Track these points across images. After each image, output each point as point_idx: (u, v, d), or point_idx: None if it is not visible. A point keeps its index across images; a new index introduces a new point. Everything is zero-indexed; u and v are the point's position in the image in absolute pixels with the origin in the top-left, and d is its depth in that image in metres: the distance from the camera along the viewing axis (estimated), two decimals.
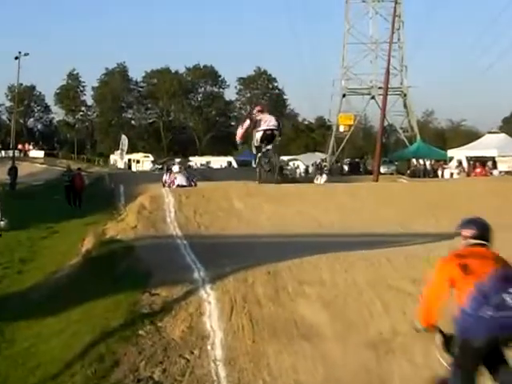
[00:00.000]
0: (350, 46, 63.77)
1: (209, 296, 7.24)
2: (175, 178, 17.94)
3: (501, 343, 4.87)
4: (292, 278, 7.41)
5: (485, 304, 4.73)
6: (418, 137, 61.30)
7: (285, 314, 6.75)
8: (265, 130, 14.34)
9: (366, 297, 6.88)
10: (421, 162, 48.93)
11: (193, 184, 17.77)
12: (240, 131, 15.19)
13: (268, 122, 14.49)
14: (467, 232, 5.25)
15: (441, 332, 5.06)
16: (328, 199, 12.93)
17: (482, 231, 5.24)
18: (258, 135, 14.40)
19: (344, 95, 63.33)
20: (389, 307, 6.68)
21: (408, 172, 46.57)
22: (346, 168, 57.42)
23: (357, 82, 63.87)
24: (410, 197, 13.47)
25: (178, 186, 16.86)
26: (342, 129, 63.41)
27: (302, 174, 52.14)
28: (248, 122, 14.84)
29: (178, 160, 58.43)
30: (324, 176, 21.02)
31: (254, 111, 15.10)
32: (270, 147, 14.47)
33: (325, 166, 50.99)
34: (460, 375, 4.90)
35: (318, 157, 61.86)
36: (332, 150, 63.34)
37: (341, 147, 62.90)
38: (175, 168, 19.29)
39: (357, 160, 61.41)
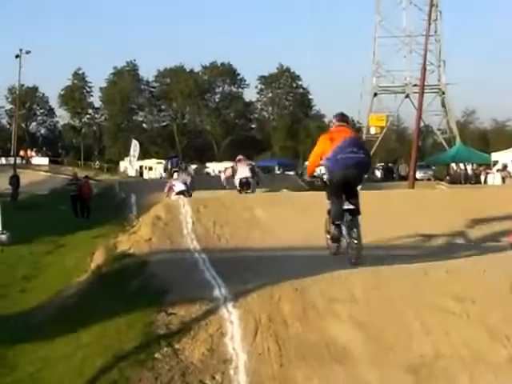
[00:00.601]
0: (382, 39, 63.70)
1: (231, 315, 7.23)
2: (173, 185, 18.73)
3: (349, 178, 9.25)
4: (321, 294, 7.38)
5: (339, 153, 9.07)
6: (458, 139, 61.00)
7: (314, 334, 6.72)
8: (240, 179, 18.94)
9: (403, 316, 6.83)
10: (461, 166, 48.64)
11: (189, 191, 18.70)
12: (223, 177, 20.38)
13: (242, 172, 19.02)
14: (335, 119, 9.92)
15: (316, 177, 10.42)
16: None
17: (342, 117, 9.94)
18: (237, 182, 19.15)
19: (375, 94, 63.24)
20: (429, 327, 6.62)
21: (447, 178, 46.31)
22: (377, 174, 57.18)
23: (389, 80, 63.79)
24: (449, 205, 13.38)
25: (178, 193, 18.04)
26: (373, 131, 63.24)
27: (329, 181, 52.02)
28: (230, 170, 19.92)
29: (193, 166, 58.66)
30: None
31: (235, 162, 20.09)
32: (248, 191, 18.71)
33: None
34: (333, 199, 9.52)
35: None
36: None
37: (372, 151, 62.57)
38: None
39: (390, 165, 61.14)
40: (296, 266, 8.75)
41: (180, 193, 18.04)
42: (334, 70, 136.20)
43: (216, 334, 6.98)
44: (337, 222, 9.37)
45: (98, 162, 78.43)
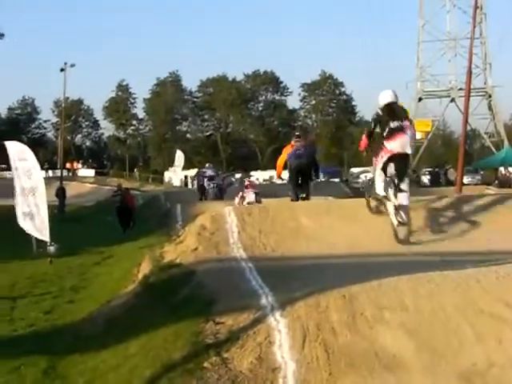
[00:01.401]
0: (426, 43, 63.18)
1: (278, 324, 7.20)
2: (245, 195, 22.94)
3: (301, 169, 16.59)
4: (370, 302, 7.31)
5: (295, 151, 16.70)
6: (506, 142, 60.12)
7: (363, 343, 6.65)
8: (248, 203, 21.99)
9: (454, 323, 6.73)
10: (510, 170, 47.87)
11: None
12: (236, 202, 22.82)
13: (249, 198, 22.79)
14: (294, 138, 17.58)
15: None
16: None
17: (297, 136, 17.82)
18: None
19: (420, 99, 62.66)
20: (481, 335, 6.51)
21: (495, 182, 45.62)
22: (424, 179, 56.60)
23: (434, 84, 63.18)
24: (499, 210, 13.17)
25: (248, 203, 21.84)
26: (418, 136, 62.50)
27: None
28: (240, 197, 23.06)
29: (237, 175, 58.87)
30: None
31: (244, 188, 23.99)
32: None
33: None
34: (292, 184, 16.85)
35: (391, 167, 61.11)
36: None
37: (418, 156, 62.01)
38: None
39: (436, 169, 60.48)
40: (343, 274, 8.69)
41: (250, 203, 21.69)
42: (377, 75, 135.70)
43: (264, 342, 6.95)
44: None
45: (136, 171, 79.07)
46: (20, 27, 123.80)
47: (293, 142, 17.05)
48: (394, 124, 10.52)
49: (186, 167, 64.34)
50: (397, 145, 10.54)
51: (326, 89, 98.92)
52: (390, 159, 10.80)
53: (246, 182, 26.00)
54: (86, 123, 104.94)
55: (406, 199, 10.84)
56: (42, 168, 25.50)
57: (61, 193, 39.27)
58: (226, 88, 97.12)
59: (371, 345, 6.61)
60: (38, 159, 22.50)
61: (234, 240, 11.76)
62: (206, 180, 32.13)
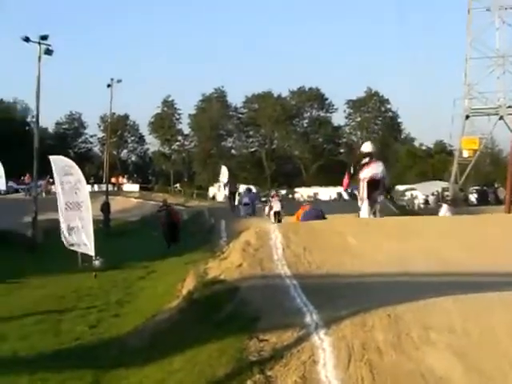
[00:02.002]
0: (474, 60, 62.23)
1: (323, 342, 7.16)
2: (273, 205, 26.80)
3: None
4: (416, 322, 7.24)
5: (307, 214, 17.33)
6: None
7: (409, 364, 6.58)
8: (274, 211, 27.23)
9: (504, 346, 6.62)
10: None
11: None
12: (266, 210, 27.69)
13: (275, 207, 27.33)
14: (305, 206, 18.67)
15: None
16: (454, 234, 12.63)
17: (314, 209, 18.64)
18: (272, 213, 27.96)
19: (467, 116, 61.77)
20: None
21: None
22: (471, 197, 55.87)
23: (482, 102, 62.17)
24: None
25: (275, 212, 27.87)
26: (465, 154, 61.73)
27: (421, 206, 51.20)
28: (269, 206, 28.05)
29: (283, 191, 58.82)
30: (448, 207, 20.82)
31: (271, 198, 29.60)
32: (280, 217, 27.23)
33: (447, 195, 49.87)
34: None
35: (438, 185, 60.54)
36: (455, 177, 61.73)
37: (465, 174, 61.14)
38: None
39: (484, 188, 59.65)
40: (389, 293, 8.62)
41: (277, 212, 27.54)
42: (423, 92, 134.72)
43: (308, 361, 6.91)
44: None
45: (178, 186, 79.59)
46: (68, 43, 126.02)
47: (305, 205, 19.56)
48: (364, 160, 15.26)
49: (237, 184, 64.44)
50: (367, 173, 15.09)
51: (372, 106, 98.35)
52: (368, 185, 14.84)
53: (272, 193, 33.81)
54: (132, 138, 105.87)
55: (379, 213, 15.21)
56: (88, 182, 25.86)
57: (106, 207, 39.71)
58: (271, 104, 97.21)
59: (417, 366, 6.53)
60: (84, 174, 22.82)
61: (279, 257, 11.75)
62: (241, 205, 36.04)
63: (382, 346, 6.86)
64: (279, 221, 27.90)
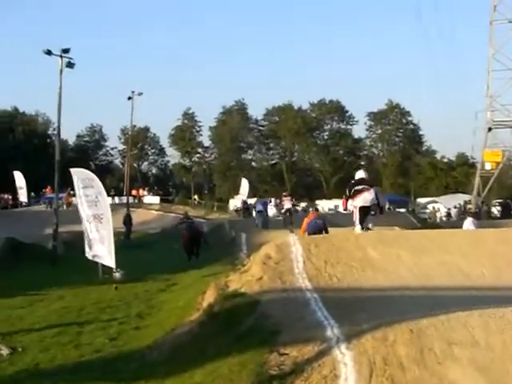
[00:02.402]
0: (496, 72, 61.79)
1: (344, 357, 7.12)
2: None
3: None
4: (439, 337, 7.18)
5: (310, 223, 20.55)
6: None
7: (432, 379, 6.52)
8: (285, 209, 34.12)
9: None
10: None
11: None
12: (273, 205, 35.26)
13: (286, 205, 31.69)
14: (311, 215, 21.96)
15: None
16: (477, 247, 12.54)
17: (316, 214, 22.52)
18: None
19: (490, 129, 61.32)
20: None
21: None
22: (494, 210, 55.42)
23: (504, 114, 61.68)
24: None
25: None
26: (488, 166, 61.22)
27: (444, 218, 50.91)
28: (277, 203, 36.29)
29: (303, 204, 58.76)
30: (472, 220, 20.70)
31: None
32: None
33: (469, 208, 49.56)
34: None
35: (460, 198, 60.14)
36: (477, 190, 61.28)
37: (487, 187, 60.68)
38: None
39: (508, 201, 59.16)
40: (411, 307, 8.57)
41: (288, 210, 34.01)
42: (445, 105, 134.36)
43: (329, 375, 6.87)
44: None
45: (196, 198, 79.71)
46: (89, 56, 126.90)
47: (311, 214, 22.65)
48: (357, 187, 16.94)
49: (251, 195, 64.47)
50: (359, 202, 16.73)
51: (393, 118, 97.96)
52: (359, 212, 16.71)
53: (284, 193, 38.74)
54: (152, 151, 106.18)
55: (371, 224, 16.97)
56: (109, 195, 25.97)
57: (128, 220, 39.93)
58: (291, 117, 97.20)
59: (440, 381, 6.48)
60: (105, 186, 22.92)
61: (299, 270, 11.73)
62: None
63: (404, 361, 6.81)
64: (290, 220, 33.62)
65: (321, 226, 20.40)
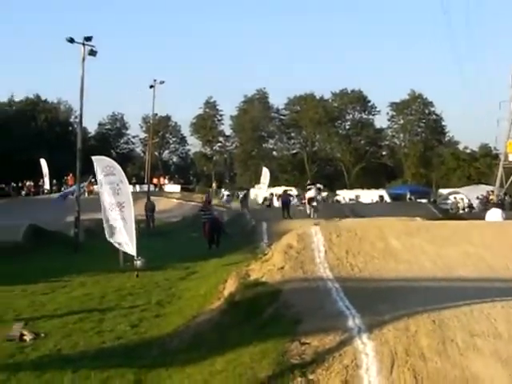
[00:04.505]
0: None
1: (365, 347, 7.12)
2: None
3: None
4: (461, 328, 7.16)
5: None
6: None
7: (454, 370, 6.50)
8: (308, 197, 35.59)
9: None
10: None
11: None
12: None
13: (310, 194, 35.93)
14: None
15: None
16: (500, 239, 12.45)
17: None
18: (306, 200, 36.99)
19: None
20: None
21: None
22: None
23: None
24: None
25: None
26: (511, 157, 60.62)
27: (466, 209, 50.53)
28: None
29: (324, 194, 58.84)
30: (502, 211, 20.43)
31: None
32: (314, 203, 34.54)
33: (491, 199, 49.11)
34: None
35: (483, 189, 59.55)
36: (500, 181, 60.71)
37: (511, 178, 60.13)
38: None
39: None
40: (433, 298, 8.54)
41: (311, 199, 34.86)
42: (469, 95, 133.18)
43: (351, 365, 6.88)
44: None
45: (214, 186, 79.82)
46: (111, 44, 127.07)
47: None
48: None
49: (271, 185, 64.39)
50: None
51: (415, 108, 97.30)
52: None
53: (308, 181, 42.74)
54: (174, 139, 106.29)
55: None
56: (130, 183, 26.05)
57: (150, 208, 40.11)
58: (313, 106, 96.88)
59: (462, 372, 6.46)
60: (126, 174, 22.88)
61: (321, 259, 11.73)
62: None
63: (426, 352, 6.80)
64: (314, 208, 34.20)
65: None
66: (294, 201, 45.69)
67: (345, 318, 8.13)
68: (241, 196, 53.46)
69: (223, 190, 63.44)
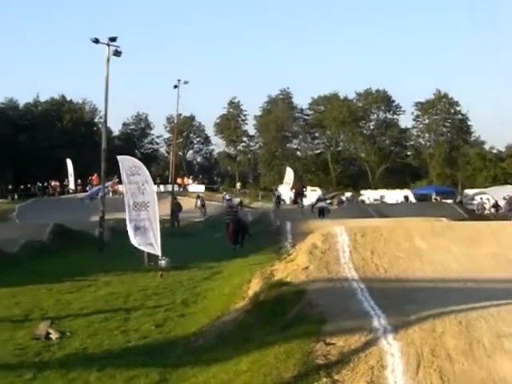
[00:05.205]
0: None
1: (391, 347, 7.10)
2: None
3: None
4: (488, 329, 7.12)
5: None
6: None
7: (481, 372, 6.46)
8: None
9: None
10: None
11: None
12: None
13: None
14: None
15: None
16: None
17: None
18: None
19: None
20: None
21: None
22: None
23: None
24: None
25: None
26: None
27: (492, 210, 50.13)
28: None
29: (348, 194, 58.58)
30: None
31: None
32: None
33: None
34: None
35: (509, 190, 59.05)
36: None
37: None
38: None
39: None
40: (460, 299, 8.50)
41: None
42: (494, 95, 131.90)
43: (376, 366, 6.86)
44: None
45: (238, 186, 79.94)
46: (135, 44, 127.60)
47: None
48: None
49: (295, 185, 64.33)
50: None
51: (441, 108, 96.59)
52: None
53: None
54: (198, 139, 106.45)
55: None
56: (154, 183, 26.11)
57: (176, 208, 40.34)
58: (337, 106, 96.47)
59: (489, 374, 6.42)
60: (150, 174, 22.97)
61: (346, 260, 11.72)
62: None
63: (452, 353, 6.77)
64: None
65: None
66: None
67: (370, 319, 8.12)
68: (275, 197, 54.35)
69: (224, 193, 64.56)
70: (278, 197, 54.20)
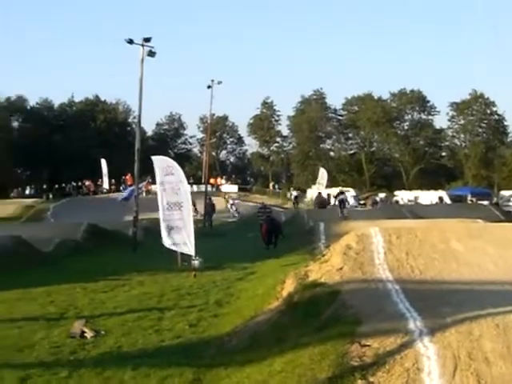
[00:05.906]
0: None
1: (427, 350, 7.04)
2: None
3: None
4: None
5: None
6: None
7: None
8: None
9: None
10: None
11: None
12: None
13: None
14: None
15: None
16: None
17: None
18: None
19: None
20: None
21: None
22: None
23: None
24: None
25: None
26: None
27: None
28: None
29: (382, 195, 58.26)
30: None
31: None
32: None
33: None
34: None
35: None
36: None
37: None
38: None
39: None
40: (497, 302, 8.41)
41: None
42: None
43: (412, 368, 6.81)
44: None
45: (277, 186, 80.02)
46: (169, 45, 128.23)
47: None
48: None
49: (329, 185, 64.21)
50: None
51: (477, 108, 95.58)
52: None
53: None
54: (231, 139, 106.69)
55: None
56: (188, 183, 26.16)
57: (209, 208, 40.53)
58: (371, 106, 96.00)
59: None
60: (184, 174, 23.07)
61: (380, 261, 11.66)
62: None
63: (490, 356, 6.70)
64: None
65: None
66: (352, 202, 46.28)
67: (406, 321, 8.07)
68: (293, 196, 55.08)
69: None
70: (296, 197, 58.32)
